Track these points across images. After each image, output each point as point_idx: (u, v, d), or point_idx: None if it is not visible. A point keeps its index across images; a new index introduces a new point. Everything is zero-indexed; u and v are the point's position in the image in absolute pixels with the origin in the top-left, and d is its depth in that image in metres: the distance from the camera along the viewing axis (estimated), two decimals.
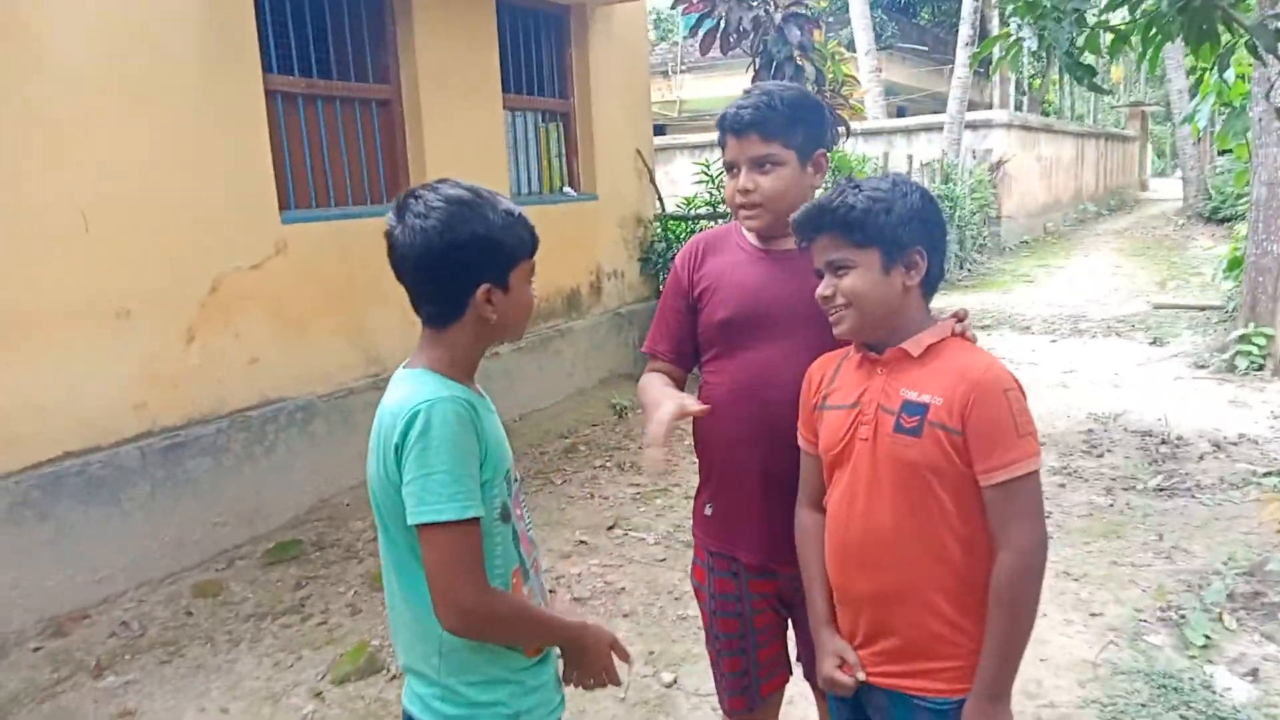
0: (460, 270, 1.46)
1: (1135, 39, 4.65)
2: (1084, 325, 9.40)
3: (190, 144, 4.21)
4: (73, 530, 3.83)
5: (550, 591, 3.74)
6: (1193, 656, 3.21)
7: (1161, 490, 4.89)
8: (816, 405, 1.83)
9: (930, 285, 1.72)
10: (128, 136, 3.99)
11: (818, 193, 2.03)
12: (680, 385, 2.21)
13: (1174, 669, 3.14)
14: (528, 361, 6.45)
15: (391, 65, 5.42)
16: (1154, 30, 4.46)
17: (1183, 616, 3.47)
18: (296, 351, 4.79)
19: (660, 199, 8.04)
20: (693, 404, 1.86)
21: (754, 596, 2.09)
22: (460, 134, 5.76)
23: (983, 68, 20.25)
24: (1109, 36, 4.74)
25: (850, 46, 17.38)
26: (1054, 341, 8.81)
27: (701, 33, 6.97)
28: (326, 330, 4.92)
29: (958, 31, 15.41)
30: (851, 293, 1.67)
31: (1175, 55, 18.09)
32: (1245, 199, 16.14)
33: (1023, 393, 1.60)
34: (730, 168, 2.03)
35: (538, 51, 6.77)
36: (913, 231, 1.66)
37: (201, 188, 4.28)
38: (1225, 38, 4.54)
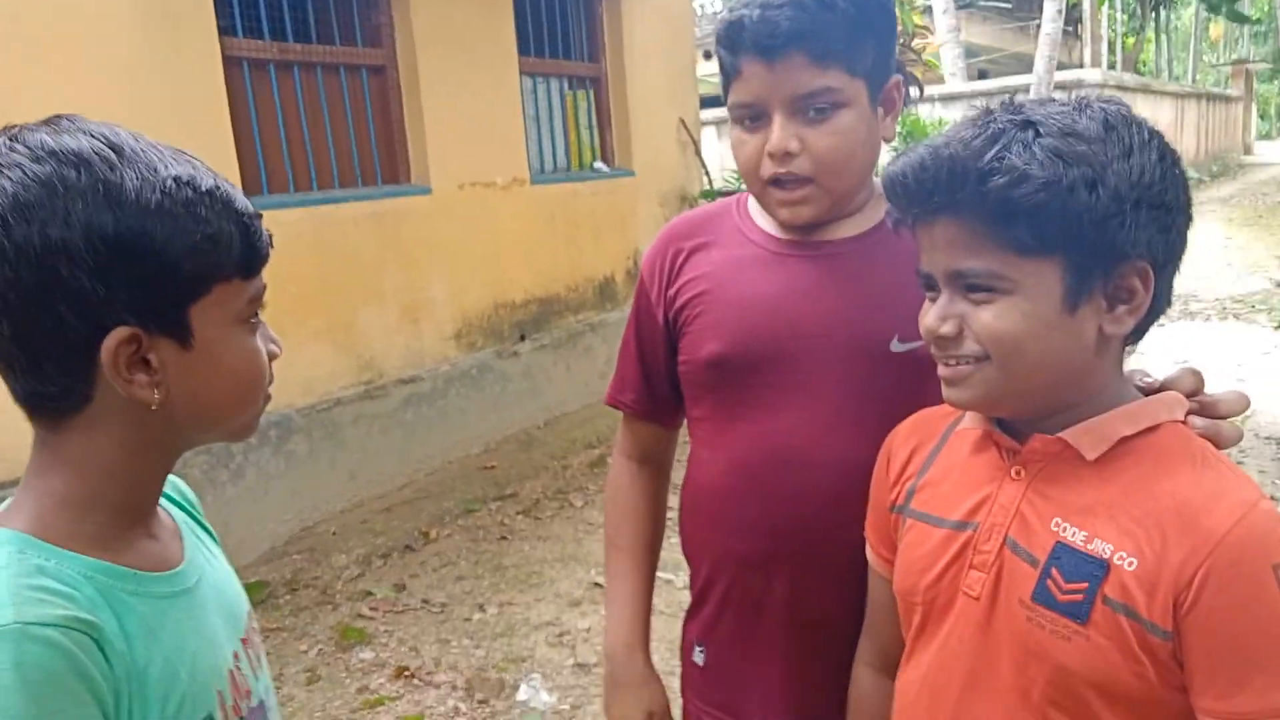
0: (53, 299, 0.71)
1: None
2: (1195, 306, 8.30)
3: (126, 122, 3.57)
4: None
5: (532, 676, 3.03)
6: None
7: None
8: (896, 503, 1.06)
9: (1140, 329, 0.92)
10: (46, 111, 3.36)
11: (887, 151, 1.20)
12: (667, 450, 1.48)
13: None
14: (553, 360, 5.74)
15: (384, 25, 4.73)
16: None
17: None
18: None
19: (707, 173, 7.24)
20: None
21: None
22: (468, 103, 5.04)
23: (1071, 25, 18.74)
24: None
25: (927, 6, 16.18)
26: (1161, 325, 7.66)
27: None
28: (307, 333, 4.27)
29: None
30: (996, 337, 0.88)
31: None
32: None
33: None
34: (752, 115, 1.18)
35: (562, 9, 6.01)
36: (1139, 230, 0.85)
37: None
38: None
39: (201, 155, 3.43)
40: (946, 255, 0.90)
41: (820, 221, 1.23)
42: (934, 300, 0.93)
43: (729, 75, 1.19)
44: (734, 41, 1.16)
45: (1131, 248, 0.85)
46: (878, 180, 1.26)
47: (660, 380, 1.37)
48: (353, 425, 4.47)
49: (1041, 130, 0.85)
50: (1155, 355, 6.79)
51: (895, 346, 1.18)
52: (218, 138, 3.88)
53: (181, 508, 0.95)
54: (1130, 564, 0.84)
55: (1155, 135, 0.89)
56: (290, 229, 4.16)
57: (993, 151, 0.84)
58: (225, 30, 3.98)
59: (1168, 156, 0.88)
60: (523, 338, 5.52)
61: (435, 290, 4.94)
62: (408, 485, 4.73)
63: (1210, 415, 0.95)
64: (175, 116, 3.70)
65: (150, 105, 3.62)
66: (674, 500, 1.46)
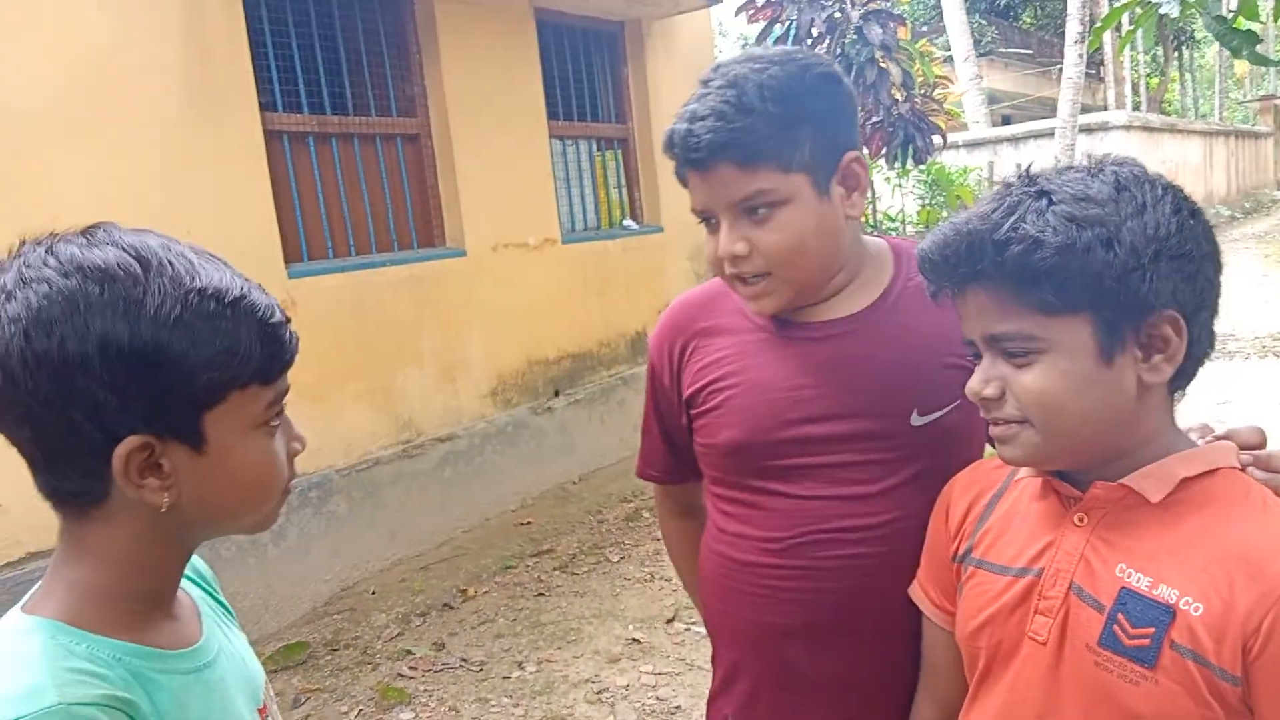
0: (69, 407, 0.75)
1: None
2: (1234, 346, 8.19)
3: (174, 198, 3.72)
4: None
5: None
6: None
7: None
8: (958, 554, 1.08)
9: (1185, 375, 0.94)
10: (97, 191, 3.51)
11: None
12: (696, 499, 1.50)
13: None
14: (587, 415, 5.79)
15: (418, 96, 4.89)
16: None
17: None
18: (310, 421, 4.20)
19: None
20: None
21: None
22: (500, 167, 5.18)
23: (1093, 68, 18.87)
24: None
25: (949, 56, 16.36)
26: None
27: (770, 42, 6.25)
28: (347, 396, 4.36)
29: (1064, 32, 14.28)
30: (1037, 398, 0.91)
31: None
32: None
33: None
34: (706, 218, 1.23)
35: (589, 73, 6.17)
36: (1161, 281, 0.88)
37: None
38: None
39: (244, 226, 3.61)
40: (980, 321, 0.95)
41: (794, 306, 1.25)
42: (973, 357, 0.98)
43: (679, 177, 1.23)
44: (672, 154, 1.20)
45: (1156, 298, 0.88)
46: (880, 248, 1.30)
47: (685, 449, 1.41)
48: (392, 485, 4.54)
49: (1055, 198, 0.89)
50: (1195, 396, 6.69)
51: (915, 420, 1.20)
52: (260, 209, 4.01)
53: (198, 584, 0.99)
54: (1197, 609, 0.85)
55: (1169, 190, 0.92)
56: (330, 295, 4.28)
57: (1009, 222, 0.89)
58: (266, 106, 4.14)
59: (1183, 209, 0.91)
60: (557, 393, 5.58)
61: (471, 350, 5.03)
62: (446, 543, 4.77)
63: (1270, 469, 0.96)
64: (220, 191, 3.85)
65: (195, 181, 3.77)
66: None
